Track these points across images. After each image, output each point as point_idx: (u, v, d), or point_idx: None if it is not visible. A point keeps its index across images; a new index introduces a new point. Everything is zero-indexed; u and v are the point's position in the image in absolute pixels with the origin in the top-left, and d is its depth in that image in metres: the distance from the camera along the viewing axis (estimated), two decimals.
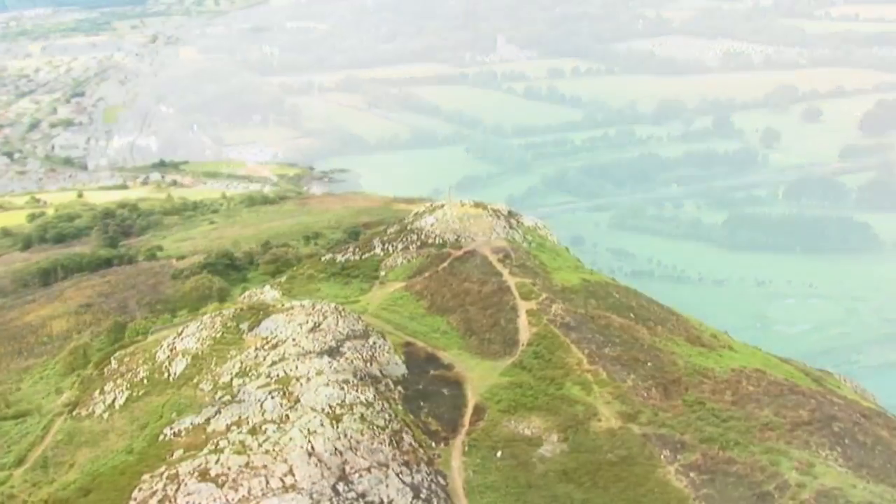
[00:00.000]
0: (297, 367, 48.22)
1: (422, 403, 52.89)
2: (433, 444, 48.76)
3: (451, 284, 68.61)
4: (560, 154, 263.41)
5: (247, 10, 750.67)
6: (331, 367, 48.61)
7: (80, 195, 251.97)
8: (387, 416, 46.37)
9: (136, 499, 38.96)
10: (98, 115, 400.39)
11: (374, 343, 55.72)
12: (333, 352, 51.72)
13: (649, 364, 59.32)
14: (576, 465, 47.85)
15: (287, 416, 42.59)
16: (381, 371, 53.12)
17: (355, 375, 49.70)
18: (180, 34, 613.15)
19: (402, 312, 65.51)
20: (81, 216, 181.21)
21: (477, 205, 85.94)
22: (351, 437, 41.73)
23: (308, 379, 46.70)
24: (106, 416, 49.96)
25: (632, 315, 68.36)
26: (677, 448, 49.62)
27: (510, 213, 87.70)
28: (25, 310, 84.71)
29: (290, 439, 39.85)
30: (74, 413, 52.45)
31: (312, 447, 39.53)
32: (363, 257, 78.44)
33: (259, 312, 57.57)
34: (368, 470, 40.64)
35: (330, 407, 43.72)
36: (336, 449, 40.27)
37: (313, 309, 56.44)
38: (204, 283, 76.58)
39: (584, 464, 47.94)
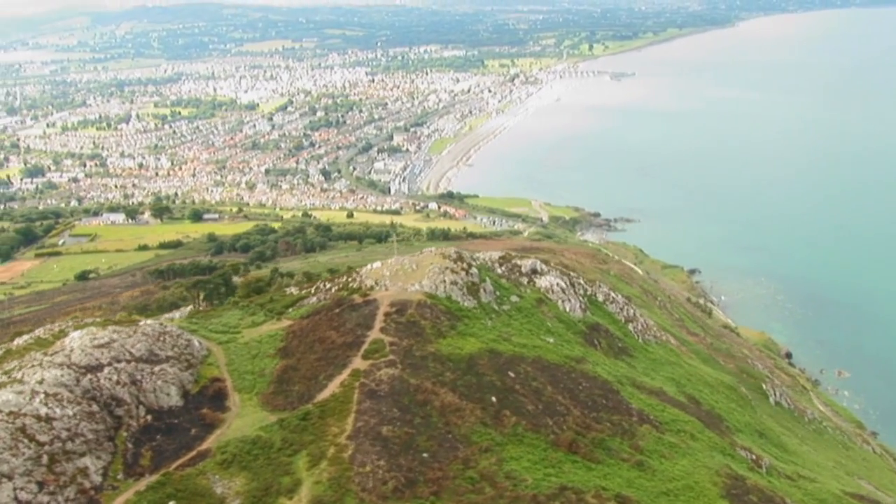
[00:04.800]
0: (35, 374, 51.87)
1: (158, 437, 52.67)
2: (119, 477, 48.57)
3: (318, 331, 66.51)
4: None
5: (619, 55, 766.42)
6: (58, 379, 51.35)
7: (349, 215, 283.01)
8: (66, 434, 47.62)
9: None
10: (426, 146, 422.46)
11: (161, 370, 57.01)
12: (93, 368, 54.32)
13: (426, 454, 51.38)
14: None
15: None
16: (135, 397, 54.16)
17: (86, 394, 51.74)
18: (542, 76, 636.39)
19: (255, 350, 65.25)
20: (277, 231, 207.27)
21: (446, 255, 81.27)
22: None
23: (23, 384, 50.14)
24: None
25: (493, 399, 59.36)
26: None
27: (482, 268, 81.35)
28: (83, 300, 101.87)
29: None
30: None
31: None
32: (301, 293, 79.45)
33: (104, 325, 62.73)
34: None
35: None
36: None
37: (121, 328, 59.69)
38: (166, 296, 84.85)
39: None
